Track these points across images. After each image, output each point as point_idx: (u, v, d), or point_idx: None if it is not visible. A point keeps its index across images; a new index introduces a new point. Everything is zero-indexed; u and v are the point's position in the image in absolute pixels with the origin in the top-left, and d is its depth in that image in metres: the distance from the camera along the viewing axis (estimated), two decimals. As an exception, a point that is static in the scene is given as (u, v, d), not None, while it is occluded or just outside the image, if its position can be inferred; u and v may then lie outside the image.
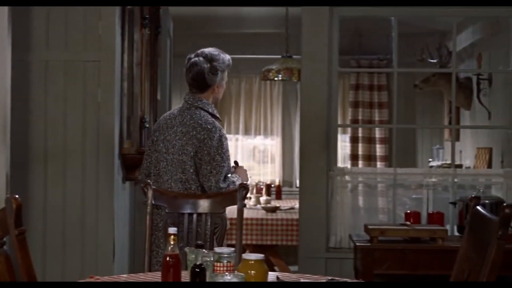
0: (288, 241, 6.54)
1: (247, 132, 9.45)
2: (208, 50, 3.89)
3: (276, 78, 7.54)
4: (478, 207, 2.73)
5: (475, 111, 7.45)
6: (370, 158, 9.15)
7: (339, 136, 8.32)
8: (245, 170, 3.96)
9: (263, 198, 7.46)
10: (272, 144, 9.49)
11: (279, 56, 7.67)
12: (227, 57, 3.91)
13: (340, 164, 7.82)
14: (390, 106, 9.03)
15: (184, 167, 3.71)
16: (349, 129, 9.23)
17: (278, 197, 8.41)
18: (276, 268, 6.73)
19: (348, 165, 8.87)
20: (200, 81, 3.86)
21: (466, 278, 2.64)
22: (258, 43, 8.99)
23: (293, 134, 9.35)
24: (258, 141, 9.53)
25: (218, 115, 3.91)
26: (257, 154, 9.56)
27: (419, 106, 9.24)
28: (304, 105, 5.46)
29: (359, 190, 5.61)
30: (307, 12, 5.40)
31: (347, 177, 5.48)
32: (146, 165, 3.89)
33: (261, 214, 6.77)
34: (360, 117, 9.16)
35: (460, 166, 7.38)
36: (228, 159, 3.75)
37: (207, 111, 3.82)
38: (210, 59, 3.86)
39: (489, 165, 6.79)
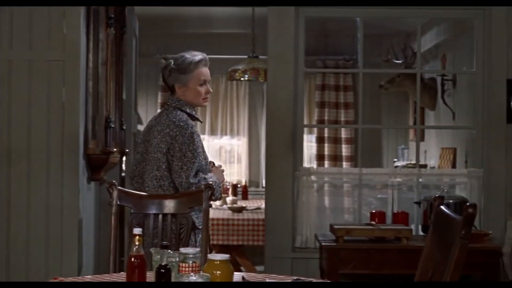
0: (255, 241, 6.54)
1: (213, 132, 9.44)
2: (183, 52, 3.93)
3: (242, 78, 7.55)
4: (442, 207, 2.76)
5: (440, 112, 7.51)
6: (336, 158, 9.18)
7: (305, 136, 8.36)
8: (221, 170, 3.96)
9: (229, 198, 7.46)
10: (238, 144, 9.49)
11: (246, 56, 7.68)
12: (190, 58, 3.86)
13: (306, 164, 7.86)
14: (356, 106, 9.08)
15: (159, 164, 3.73)
16: (315, 129, 9.26)
17: (245, 197, 8.42)
18: (242, 268, 6.73)
19: (314, 165, 8.89)
20: (164, 82, 3.94)
21: (430, 277, 2.67)
22: (225, 43, 8.99)
23: (260, 134, 9.36)
24: (225, 141, 9.52)
25: (196, 116, 3.90)
26: (224, 154, 9.56)
27: (384, 107, 9.30)
28: (270, 105, 5.47)
29: (325, 190, 5.63)
30: (273, 12, 5.41)
31: (313, 177, 5.50)
32: (131, 168, 3.96)
33: (227, 214, 6.77)
34: (326, 118, 9.19)
35: (425, 166, 7.44)
36: (199, 155, 3.72)
37: (185, 111, 3.83)
38: (173, 59, 3.87)
39: (453, 165, 6.87)
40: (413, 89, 6.77)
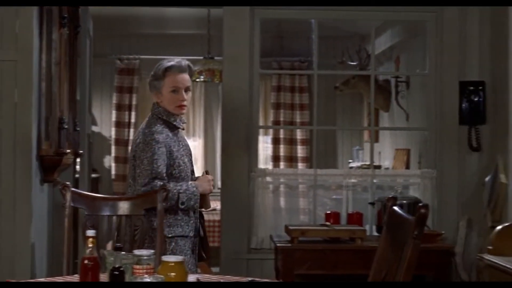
0: (210, 243, 6.51)
1: (169, 133, 9.39)
2: None
3: (198, 80, 7.53)
4: (395, 207, 2.78)
5: (394, 113, 7.58)
6: (291, 160, 9.22)
7: (261, 138, 8.38)
8: (209, 180, 3.88)
9: (185, 200, 7.41)
10: (194, 145, 9.46)
11: (201, 57, 7.67)
12: (163, 64, 3.82)
13: (261, 165, 7.87)
14: (311, 107, 9.11)
15: (131, 172, 3.77)
16: (270, 131, 9.28)
17: (200, 198, 8.37)
18: (198, 269, 6.70)
19: (270, 166, 8.91)
20: None
21: (383, 277, 2.69)
22: (180, 44, 8.96)
23: (215, 135, 9.35)
24: (180, 142, 9.47)
25: (174, 123, 3.82)
26: (179, 155, 9.50)
27: (339, 108, 9.36)
28: (226, 107, 5.47)
29: (281, 191, 5.65)
30: (228, 14, 5.41)
31: (268, 178, 5.51)
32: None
33: (183, 215, 6.72)
34: (281, 119, 9.22)
35: (379, 167, 7.51)
36: (156, 162, 3.65)
37: (161, 118, 3.80)
38: None
39: (407, 166, 6.94)
40: (367, 91, 6.82)
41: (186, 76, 3.82)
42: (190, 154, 3.97)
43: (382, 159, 8.12)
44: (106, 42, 8.71)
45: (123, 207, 3.48)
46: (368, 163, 7.08)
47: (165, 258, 2.47)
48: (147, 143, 3.69)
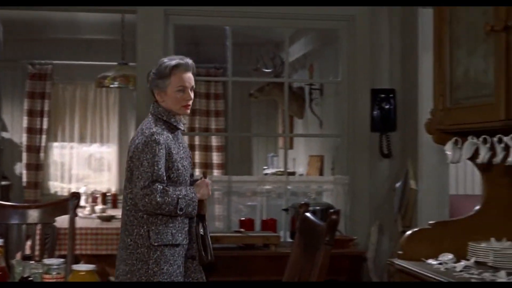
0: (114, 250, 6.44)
1: (82, 140, 9.26)
2: None
3: (111, 85, 7.44)
4: (307, 214, 2.81)
5: (308, 120, 7.66)
6: (207, 166, 9.20)
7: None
8: (207, 184, 3.73)
9: (98, 207, 7.32)
10: (108, 152, 9.35)
11: (115, 63, 7.58)
12: (167, 62, 3.70)
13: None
14: (226, 114, 9.12)
15: (126, 174, 3.62)
16: (186, 137, 9.23)
17: (114, 205, 8.28)
18: (111, 278, 6.62)
19: (185, 173, 8.85)
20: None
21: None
22: (94, 49, 8.84)
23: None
24: (94, 149, 9.36)
25: (175, 124, 3.70)
26: (93, 162, 9.40)
27: (254, 115, 9.40)
28: (140, 113, 5.41)
29: (195, 198, 5.61)
30: (141, 19, 5.36)
31: (183, 185, 5.47)
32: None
33: (96, 223, 6.63)
34: (197, 125, 9.20)
35: (293, 173, 7.56)
36: (157, 165, 3.51)
37: (161, 119, 3.67)
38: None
39: (321, 172, 7.01)
40: (281, 98, 6.87)
41: (191, 75, 3.72)
42: (190, 157, 3.81)
43: (297, 166, 8.19)
44: (17, 47, 8.51)
45: (33, 215, 3.41)
46: (282, 169, 7.13)
47: (76, 267, 2.43)
48: (147, 144, 3.53)
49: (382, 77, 5.44)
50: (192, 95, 3.71)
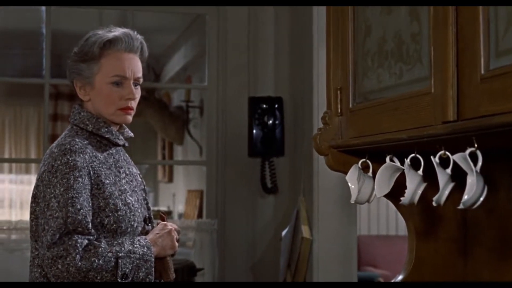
0: None
1: None
2: None
3: None
4: None
5: (188, 146, 6.58)
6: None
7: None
8: (169, 230, 2.29)
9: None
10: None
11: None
12: (98, 35, 2.29)
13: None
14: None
15: (31, 226, 2.25)
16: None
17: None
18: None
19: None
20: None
21: None
22: None
23: None
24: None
25: (110, 137, 2.29)
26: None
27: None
28: None
29: None
30: None
31: None
32: None
33: None
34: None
35: (169, 213, 6.48)
36: (70, 204, 2.13)
37: (85, 129, 2.29)
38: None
39: (200, 213, 5.79)
40: (157, 120, 5.67)
41: (137, 60, 2.33)
42: (143, 190, 2.40)
43: (177, 203, 7.03)
44: None
45: None
46: (163, 208, 6.16)
47: None
48: (57, 171, 2.17)
49: (265, 82, 4.14)
50: (137, 92, 2.31)
